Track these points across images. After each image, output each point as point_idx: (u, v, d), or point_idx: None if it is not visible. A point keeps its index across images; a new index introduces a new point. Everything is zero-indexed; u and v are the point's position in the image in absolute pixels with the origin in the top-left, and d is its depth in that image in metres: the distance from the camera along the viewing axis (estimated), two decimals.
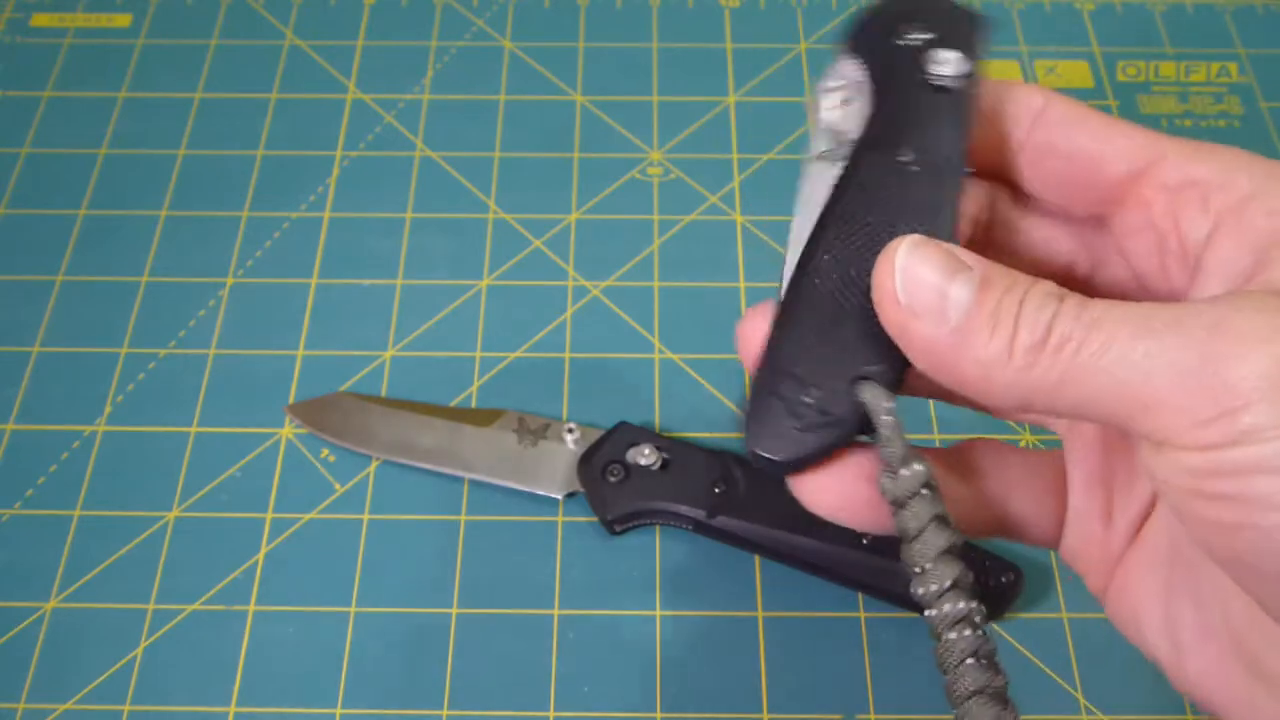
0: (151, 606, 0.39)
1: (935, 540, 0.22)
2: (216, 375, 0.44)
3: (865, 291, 0.23)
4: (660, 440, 0.40)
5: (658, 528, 0.40)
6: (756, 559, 0.39)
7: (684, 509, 0.38)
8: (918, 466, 0.22)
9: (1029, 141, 0.24)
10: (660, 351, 0.44)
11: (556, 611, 0.38)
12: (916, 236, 0.22)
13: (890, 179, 0.24)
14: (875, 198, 0.24)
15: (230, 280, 0.46)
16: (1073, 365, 0.20)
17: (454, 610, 0.38)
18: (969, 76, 0.24)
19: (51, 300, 0.46)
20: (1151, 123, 0.51)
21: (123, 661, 0.37)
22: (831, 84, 0.26)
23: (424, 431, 0.41)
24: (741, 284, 0.46)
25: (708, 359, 0.44)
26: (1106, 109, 0.52)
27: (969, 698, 0.21)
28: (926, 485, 0.22)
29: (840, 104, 0.25)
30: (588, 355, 0.44)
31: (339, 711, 0.37)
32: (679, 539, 0.40)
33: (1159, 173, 0.23)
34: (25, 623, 0.38)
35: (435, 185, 0.49)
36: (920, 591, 0.22)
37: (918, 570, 0.22)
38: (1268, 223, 0.21)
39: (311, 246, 0.47)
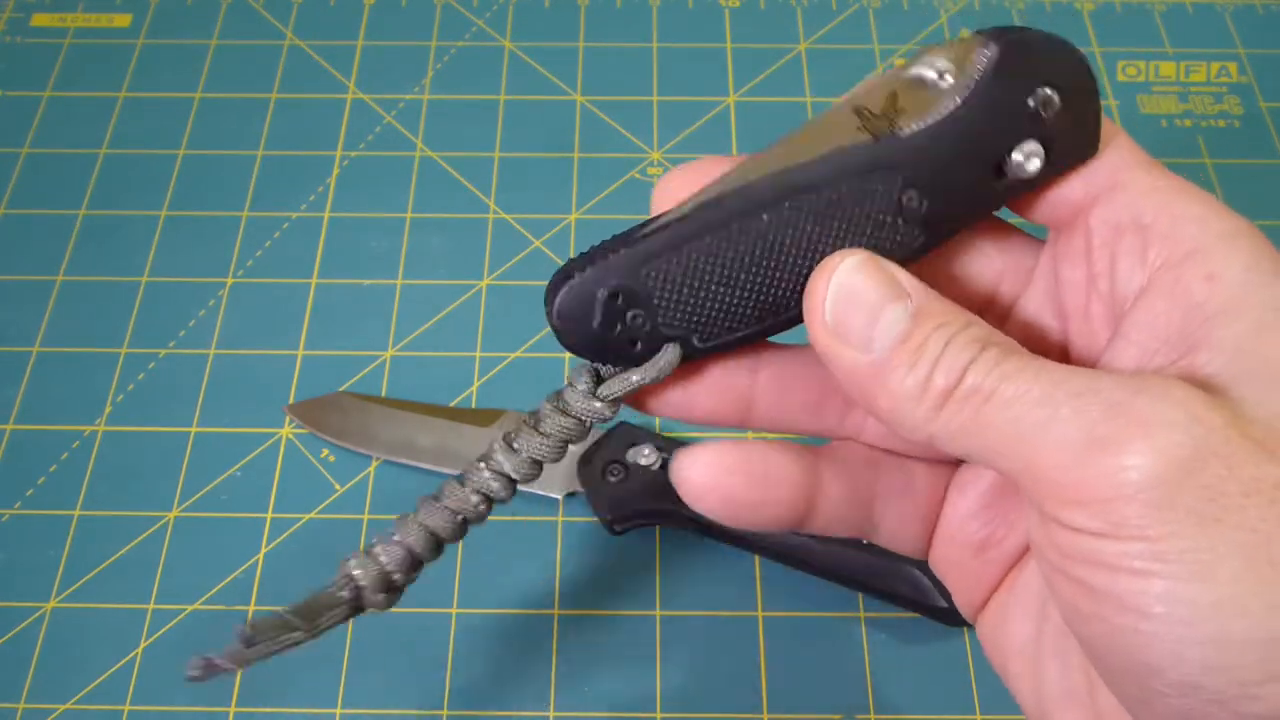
0: (151, 606, 0.39)
1: (529, 444, 0.24)
2: (216, 375, 0.44)
3: (758, 284, 0.22)
4: (660, 440, 0.40)
5: (658, 528, 0.40)
6: (756, 559, 0.39)
7: (684, 509, 0.38)
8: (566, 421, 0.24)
9: None
10: None
11: (556, 611, 0.38)
12: (859, 257, 0.21)
13: (882, 204, 0.22)
14: (855, 209, 0.22)
15: (230, 280, 0.46)
16: (974, 417, 0.19)
17: (454, 610, 0.38)
18: (1033, 184, 0.22)
19: (51, 300, 0.46)
20: (1151, 123, 0.51)
21: (123, 661, 0.37)
22: (937, 67, 0.22)
23: (424, 431, 0.41)
24: None
25: None
26: (1106, 109, 0.52)
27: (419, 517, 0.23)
28: (565, 434, 0.24)
29: (920, 86, 0.22)
30: None
31: (339, 711, 0.37)
32: (679, 539, 0.40)
33: (1111, 203, 0.22)
34: (25, 623, 0.38)
35: (435, 185, 0.49)
36: (478, 463, 0.24)
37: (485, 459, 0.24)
38: (1203, 290, 0.20)
39: (311, 246, 0.47)
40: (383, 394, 0.43)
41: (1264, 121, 0.51)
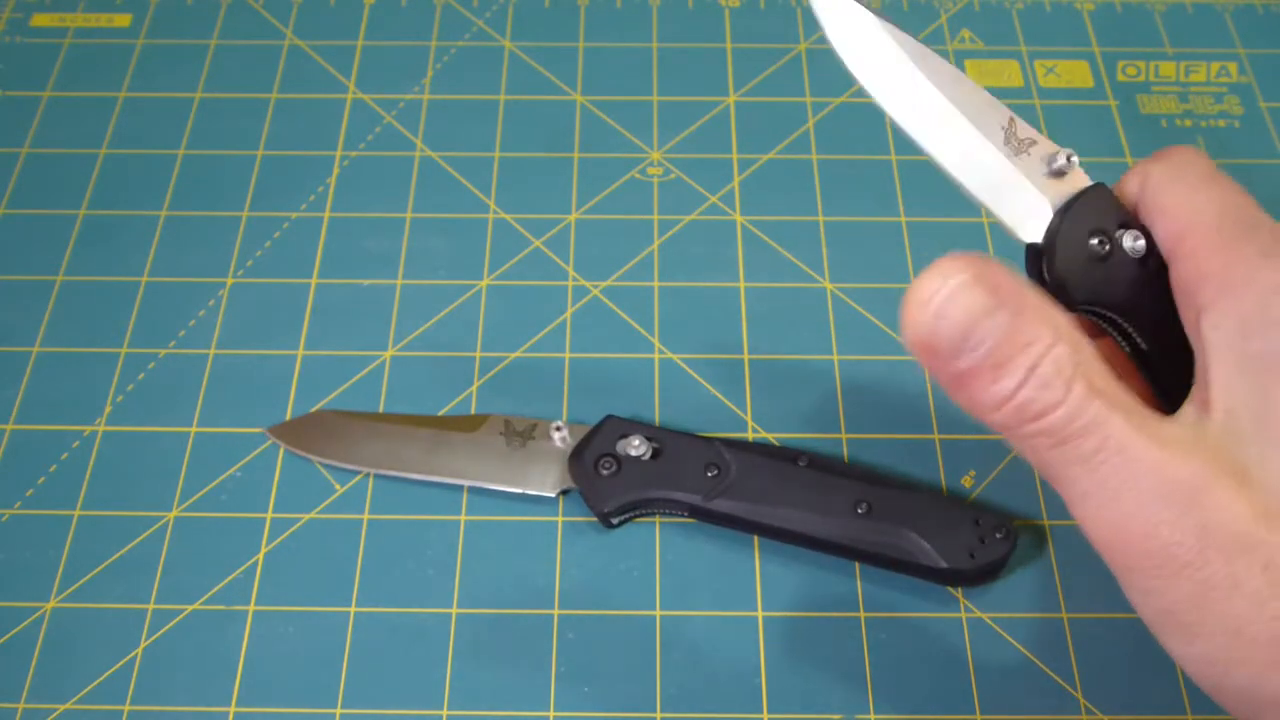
0: (151, 606, 0.39)
1: None
2: (216, 375, 0.44)
3: None
4: (650, 430, 0.40)
5: (657, 524, 0.40)
6: (757, 560, 0.39)
7: (679, 495, 0.39)
8: None
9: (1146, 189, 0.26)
10: (660, 351, 0.44)
11: (556, 611, 0.38)
12: (964, 275, 0.20)
13: None
14: None
15: (230, 280, 0.46)
16: (1041, 456, 0.21)
17: (453, 610, 0.38)
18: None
19: (51, 300, 0.46)
20: (1151, 123, 0.51)
21: (123, 661, 0.37)
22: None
23: (410, 444, 0.41)
24: (741, 284, 0.46)
25: (708, 359, 0.44)
26: (1106, 109, 0.52)
27: None
28: None
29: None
30: (588, 355, 0.44)
31: (339, 711, 0.37)
32: (678, 538, 0.40)
33: (1181, 255, 0.24)
34: (25, 623, 0.38)
35: (435, 185, 0.49)
36: None
37: None
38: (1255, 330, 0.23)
39: (311, 246, 0.47)
40: (382, 394, 0.43)
41: (1264, 121, 0.51)
